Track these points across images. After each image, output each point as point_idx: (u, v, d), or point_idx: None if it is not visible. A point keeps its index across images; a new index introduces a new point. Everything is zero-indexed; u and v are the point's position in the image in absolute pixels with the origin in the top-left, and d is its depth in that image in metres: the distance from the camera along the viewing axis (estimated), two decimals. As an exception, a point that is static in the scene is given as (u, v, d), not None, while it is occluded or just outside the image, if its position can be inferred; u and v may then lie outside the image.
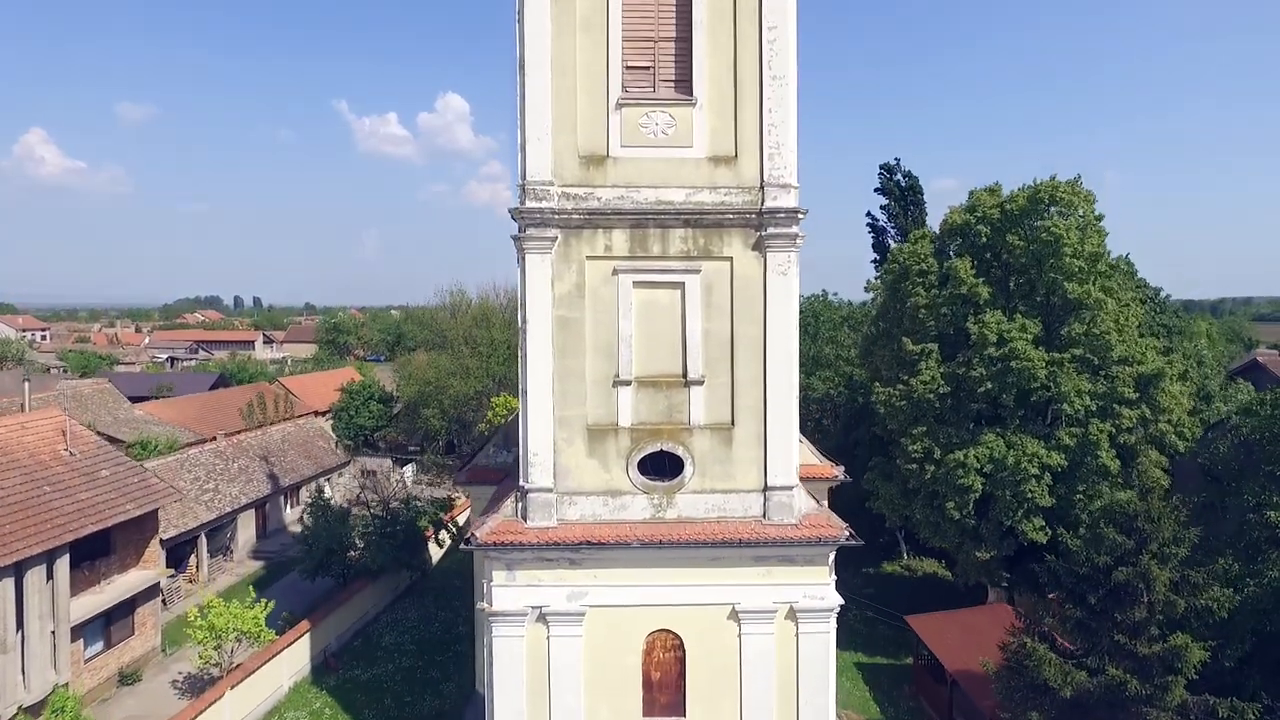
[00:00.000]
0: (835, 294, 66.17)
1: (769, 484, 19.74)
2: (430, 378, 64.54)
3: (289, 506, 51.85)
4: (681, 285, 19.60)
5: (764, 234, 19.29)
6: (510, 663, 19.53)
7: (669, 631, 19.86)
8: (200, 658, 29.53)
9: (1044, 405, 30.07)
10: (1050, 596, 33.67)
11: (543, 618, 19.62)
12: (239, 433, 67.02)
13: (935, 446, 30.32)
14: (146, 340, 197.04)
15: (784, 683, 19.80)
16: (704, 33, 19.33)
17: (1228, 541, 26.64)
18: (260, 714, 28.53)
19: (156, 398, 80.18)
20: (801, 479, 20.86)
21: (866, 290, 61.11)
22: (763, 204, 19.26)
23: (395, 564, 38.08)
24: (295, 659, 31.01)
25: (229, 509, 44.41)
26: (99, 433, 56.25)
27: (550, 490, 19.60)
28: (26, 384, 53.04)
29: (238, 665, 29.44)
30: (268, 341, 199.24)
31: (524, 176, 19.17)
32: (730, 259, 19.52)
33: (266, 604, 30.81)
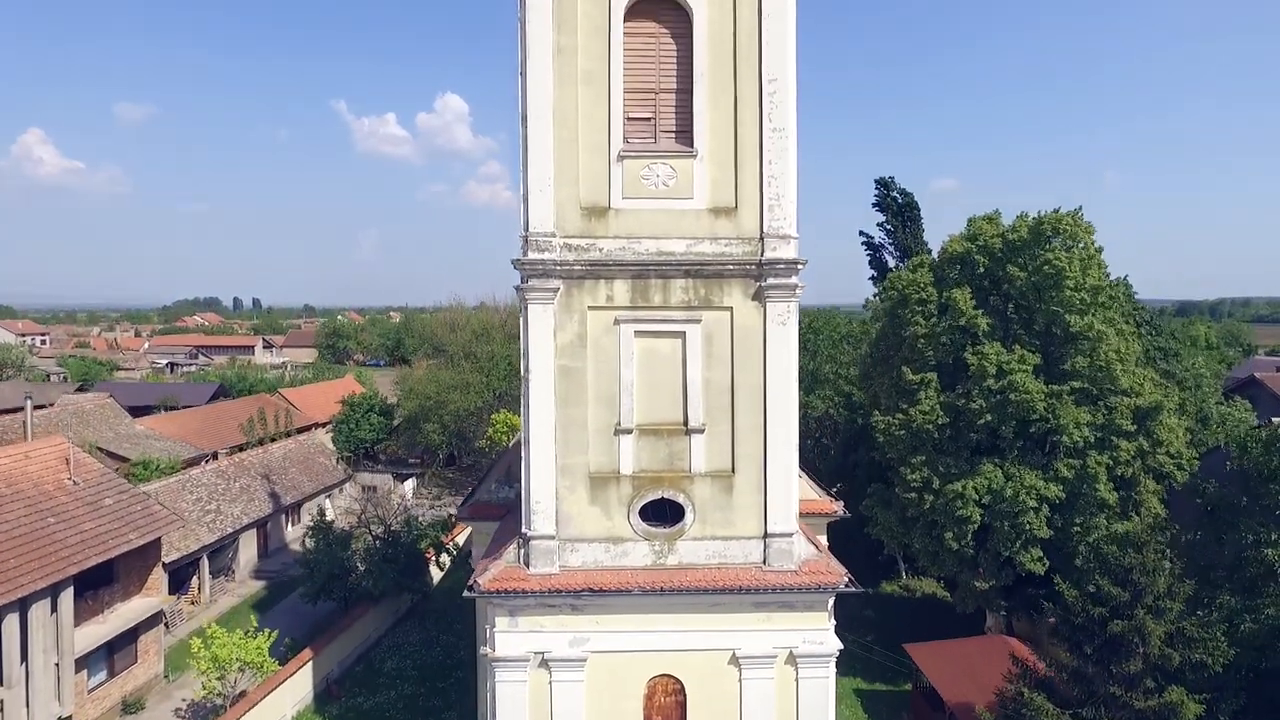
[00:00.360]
0: (835, 306, 66.59)
1: (769, 531, 19.93)
2: (431, 392, 64.70)
3: (290, 524, 52.02)
4: (682, 334, 19.79)
5: (764, 284, 19.48)
6: (514, 708, 19.71)
7: (670, 676, 20.06)
8: (204, 688, 29.69)
9: (1043, 436, 30.24)
10: (1049, 621, 33.88)
11: (545, 663, 19.82)
12: (240, 448, 67.28)
13: (934, 476, 30.47)
14: (146, 345, 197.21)
15: (784, 727, 19.99)
16: (704, 85, 19.52)
17: (1225, 575, 26.89)
18: (264, 745, 28.73)
19: (158, 410, 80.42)
20: (800, 513, 21.08)
21: (865, 307, 61.34)
22: (762, 255, 19.45)
23: (396, 587, 38.27)
24: (298, 687, 31.18)
25: (231, 530, 44.57)
26: (101, 449, 56.70)
27: (553, 538, 19.79)
28: (29, 401, 53.11)
29: (242, 694, 29.63)
30: (267, 346, 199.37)
31: (526, 228, 19.35)
32: (730, 309, 19.71)
33: (270, 634, 30.94)
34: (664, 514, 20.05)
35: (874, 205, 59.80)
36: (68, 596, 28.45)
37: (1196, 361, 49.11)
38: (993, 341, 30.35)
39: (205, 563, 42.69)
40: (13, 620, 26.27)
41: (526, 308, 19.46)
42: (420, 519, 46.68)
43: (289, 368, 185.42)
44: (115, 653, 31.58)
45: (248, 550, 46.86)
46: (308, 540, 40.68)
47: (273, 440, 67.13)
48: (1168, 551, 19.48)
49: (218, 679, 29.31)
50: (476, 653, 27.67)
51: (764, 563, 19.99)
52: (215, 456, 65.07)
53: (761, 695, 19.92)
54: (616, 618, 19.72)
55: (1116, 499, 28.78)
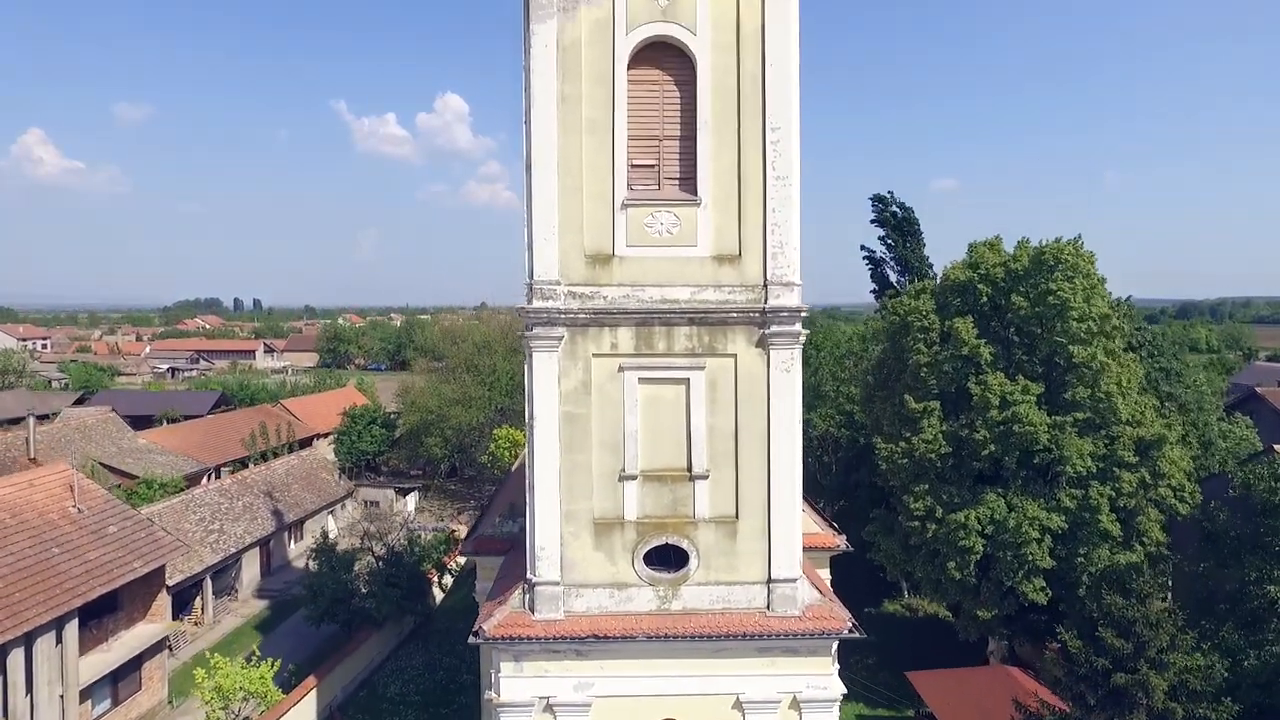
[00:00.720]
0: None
1: (773, 576, 19.97)
2: (433, 406, 64.78)
3: (293, 541, 52.13)
4: (686, 381, 19.83)
5: (768, 332, 19.52)
6: (518, 752, 19.76)
7: (674, 720, 20.10)
8: (209, 718, 29.76)
9: (1045, 466, 30.31)
10: (1049, 646, 33.93)
11: (550, 708, 19.87)
12: (242, 461, 67.44)
13: (937, 505, 30.55)
14: (147, 349, 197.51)
15: (788, 771, 20.04)
16: (708, 132, 19.55)
17: (1228, 609, 26.97)
18: (268, 776, 28.80)
19: (159, 422, 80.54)
20: (804, 548, 21.14)
21: (866, 324, 61.34)
22: (766, 302, 19.49)
23: (399, 610, 38.37)
24: (302, 716, 31.22)
25: (234, 550, 44.71)
26: (104, 465, 56.82)
27: (558, 583, 19.84)
28: (32, 418, 53.32)
29: (246, 723, 29.73)
30: (268, 351, 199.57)
31: (531, 275, 19.40)
32: (734, 356, 19.74)
33: (273, 662, 31.00)
34: (668, 559, 20.10)
35: (872, 221, 59.93)
36: (72, 628, 28.58)
37: (1198, 379, 49.14)
38: (996, 371, 30.41)
39: (208, 584, 42.82)
40: (18, 654, 26.38)
41: (531, 355, 19.51)
42: (422, 537, 46.75)
43: (290, 372, 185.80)
44: (119, 681, 31.70)
45: (250, 569, 46.97)
46: (311, 563, 40.78)
47: (275, 455, 67.35)
48: (1170, 597, 19.51)
49: (221, 709, 29.38)
50: (480, 679, 27.85)
51: (768, 608, 20.03)
52: (218, 473, 65.29)
53: (765, 739, 19.96)
54: (621, 663, 19.77)
55: (1119, 530, 28.84)
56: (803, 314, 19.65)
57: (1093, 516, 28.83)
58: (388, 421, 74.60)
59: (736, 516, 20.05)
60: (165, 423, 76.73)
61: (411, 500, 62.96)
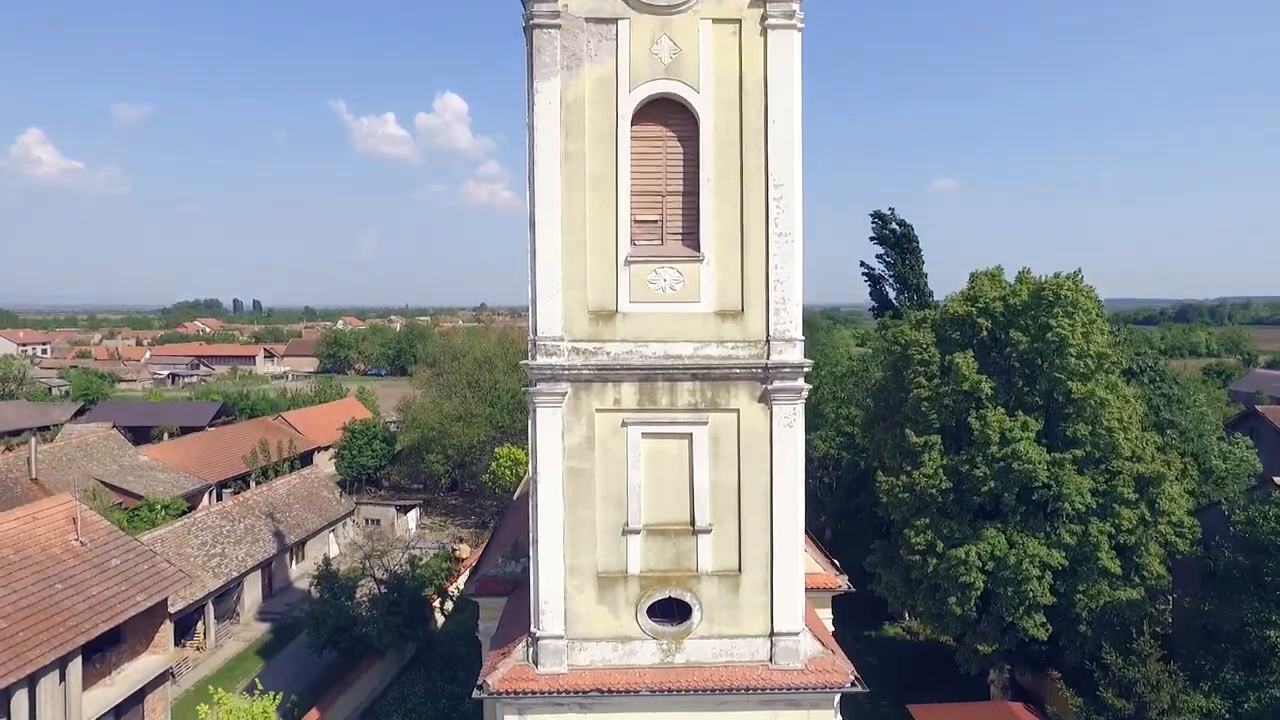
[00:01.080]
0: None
1: (775, 630, 20.07)
2: (434, 423, 64.84)
3: (295, 562, 52.18)
4: (689, 436, 19.92)
5: (770, 387, 19.60)
6: (522, 804, 19.85)
7: (677, 773, 20.17)
8: (212, 755, 29.78)
9: (1045, 502, 30.38)
10: (1051, 675, 33.93)
11: (554, 760, 19.95)
12: (243, 477, 67.48)
13: (938, 540, 30.62)
14: (147, 355, 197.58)
15: (789, 823, 20.12)
16: (711, 190, 19.63)
17: (1228, 647, 27.04)
18: (271, 813, 28.83)
19: (160, 435, 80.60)
20: (805, 588, 21.23)
21: (865, 344, 61.35)
22: (768, 357, 19.56)
23: (400, 637, 38.43)
24: (305, 750, 31.32)
25: (236, 574, 44.75)
26: (106, 484, 56.88)
27: (561, 637, 19.93)
28: (34, 439, 53.42)
29: (248, 759, 29.72)
30: (269, 356, 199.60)
31: (535, 331, 19.48)
32: (737, 411, 19.83)
33: (275, 696, 31.03)
34: (671, 612, 20.19)
35: (872, 238, 60.06)
36: (76, 664, 28.60)
37: (1198, 399, 49.23)
38: (996, 406, 30.48)
39: (210, 608, 42.85)
40: (21, 696, 26.41)
41: (535, 411, 19.59)
42: (423, 558, 46.81)
43: (290, 377, 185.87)
44: (123, 715, 31.66)
45: (252, 592, 47.02)
46: (313, 589, 40.86)
47: (276, 471, 67.43)
48: (1170, 634, 19.53)
49: (225, 746, 29.40)
50: (483, 709, 27.94)
51: (770, 661, 20.12)
52: (220, 494, 65.40)
53: (768, 792, 20.05)
54: (624, 716, 19.86)
55: (1119, 566, 28.92)
56: (805, 369, 19.73)
57: (1092, 553, 28.92)
58: (388, 436, 74.67)
59: (739, 570, 20.14)
60: (166, 436, 76.76)
61: (412, 518, 63.05)
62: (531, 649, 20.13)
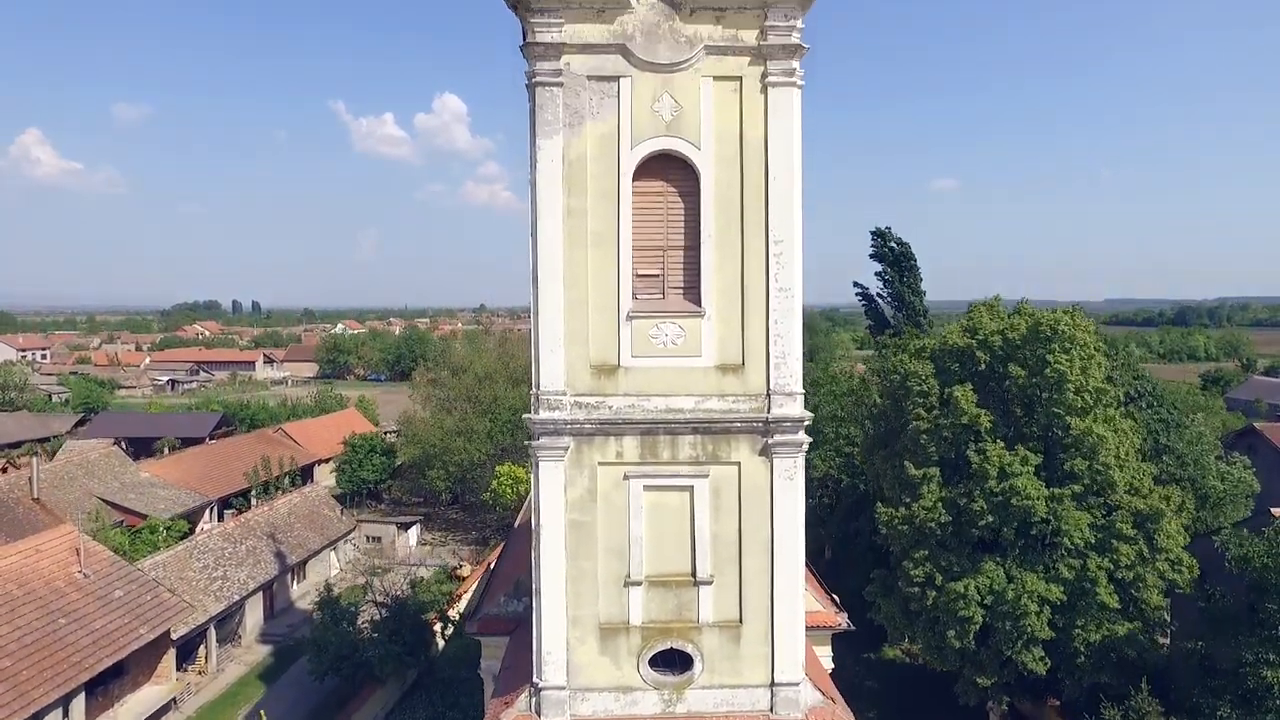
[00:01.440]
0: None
1: (776, 680, 20.20)
2: (435, 439, 64.97)
3: (296, 583, 52.34)
4: (690, 488, 20.06)
5: (771, 441, 19.76)
6: None
7: (678, 821, 20.33)
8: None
9: (1044, 537, 30.56)
10: (1050, 703, 34.10)
11: (556, 810, 20.10)
12: (244, 493, 67.62)
13: (937, 572, 30.81)
14: (147, 360, 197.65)
15: None
16: (712, 245, 19.77)
17: (1225, 684, 27.20)
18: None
19: (161, 449, 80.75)
20: (806, 627, 21.41)
21: (864, 347, 61.41)
22: (769, 411, 19.71)
23: (402, 665, 38.59)
24: (308, 781, 31.51)
25: (238, 596, 44.91)
26: (108, 502, 57.02)
27: (563, 688, 20.08)
28: (35, 461, 53.59)
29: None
30: (268, 361, 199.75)
31: (537, 386, 19.63)
32: (738, 464, 19.97)
33: (279, 729, 31.28)
34: (673, 663, 20.35)
35: (870, 255, 60.33)
36: (79, 702, 28.82)
37: (1196, 419, 49.43)
38: (995, 440, 30.67)
39: (212, 632, 42.99)
40: (27, 734, 26.59)
41: (538, 465, 19.73)
42: (423, 579, 46.99)
43: (289, 383, 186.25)
44: (126, 747, 31.94)
45: (254, 614, 47.17)
46: (315, 614, 41.00)
47: (277, 486, 67.60)
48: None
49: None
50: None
51: (771, 710, 20.26)
52: (221, 512, 65.57)
53: (769, 839, 20.22)
54: (627, 765, 20.02)
55: (1117, 602, 29.11)
56: (805, 422, 19.89)
57: (1091, 588, 29.10)
58: (388, 450, 74.81)
59: (740, 621, 20.28)
60: (167, 450, 76.89)
61: (413, 534, 63.20)
62: (534, 699, 20.28)
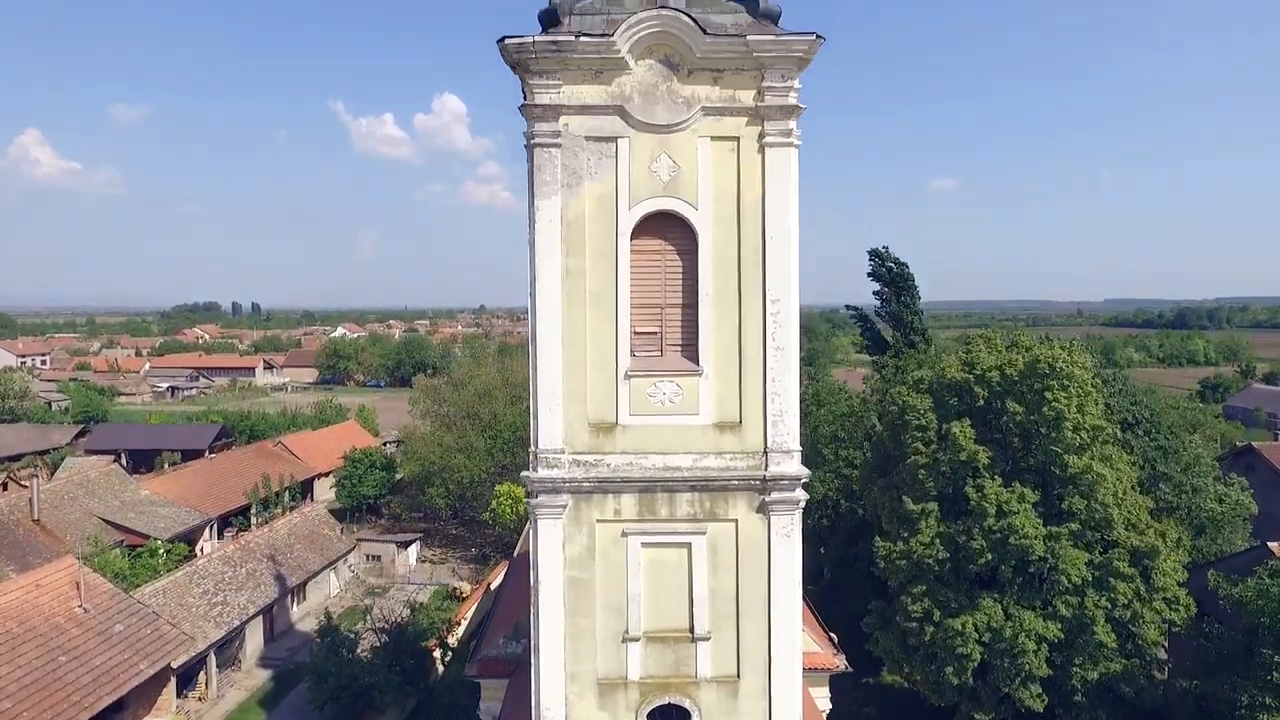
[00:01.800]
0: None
1: (773, 735, 20.32)
2: (435, 457, 65.07)
3: (295, 604, 52.42)
4: (688, 545, 20.16)
5: (768, 499, 19.86)
6: None
7: None
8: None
9: (1042, 574, 30.67)
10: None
11: None
12: (244, 510, 67.72)
13: (935, 608, 30.93)
14: (147, 366, 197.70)
15: None
16: (710, 304, 19.86)
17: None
18: None
19: (161, 464, 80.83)
20: (804, 668, 21.50)
21: (864, 383, 61.54)
22: (766, 469, 19.80)
23: (402, 694, 38.71)
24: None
25: (238, 621, 44.99)
26: (108, 522, 57.10)
27: (563, 744, 20.19)
28: (36, 482, 53.65)
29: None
30: (268, 367, 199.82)
31: (536, 444, 19.73)
32: (735, 521, 20.06)
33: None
34: (670, 717, 20.40)
35: (869, 275, 60.42)
36: (80, 740, 28.87)
37: (1193, 440, 49.53)
38: (993, 477, 30.78)
39: (213, 658, 43.07)
40: (27, 776, 26.70)
41: (536, 522, 19.83)
42: (424, 605, 47.10)
43: (289, 389, 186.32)
44: (126, 782, 32.03)
45: (254, 638, 47.25)
46: (315, 643, 41.10)
47: (277, 501, 67.74)
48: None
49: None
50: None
51: (769, 765, 20.37)
52: (221, 530, 65.68)
53: None
54: (625, 820, 20.12)
55: (1114, 641, 29.23)
56: (802, 480, 20.00)
57: (1089, 626, 29.22)
58: (388, 465, 74.91)
59: (738, 676, 20.36)
60: (167, 466, 76.97)
61: (413, 552, 63.29)
62: (533, 754, 20.38)
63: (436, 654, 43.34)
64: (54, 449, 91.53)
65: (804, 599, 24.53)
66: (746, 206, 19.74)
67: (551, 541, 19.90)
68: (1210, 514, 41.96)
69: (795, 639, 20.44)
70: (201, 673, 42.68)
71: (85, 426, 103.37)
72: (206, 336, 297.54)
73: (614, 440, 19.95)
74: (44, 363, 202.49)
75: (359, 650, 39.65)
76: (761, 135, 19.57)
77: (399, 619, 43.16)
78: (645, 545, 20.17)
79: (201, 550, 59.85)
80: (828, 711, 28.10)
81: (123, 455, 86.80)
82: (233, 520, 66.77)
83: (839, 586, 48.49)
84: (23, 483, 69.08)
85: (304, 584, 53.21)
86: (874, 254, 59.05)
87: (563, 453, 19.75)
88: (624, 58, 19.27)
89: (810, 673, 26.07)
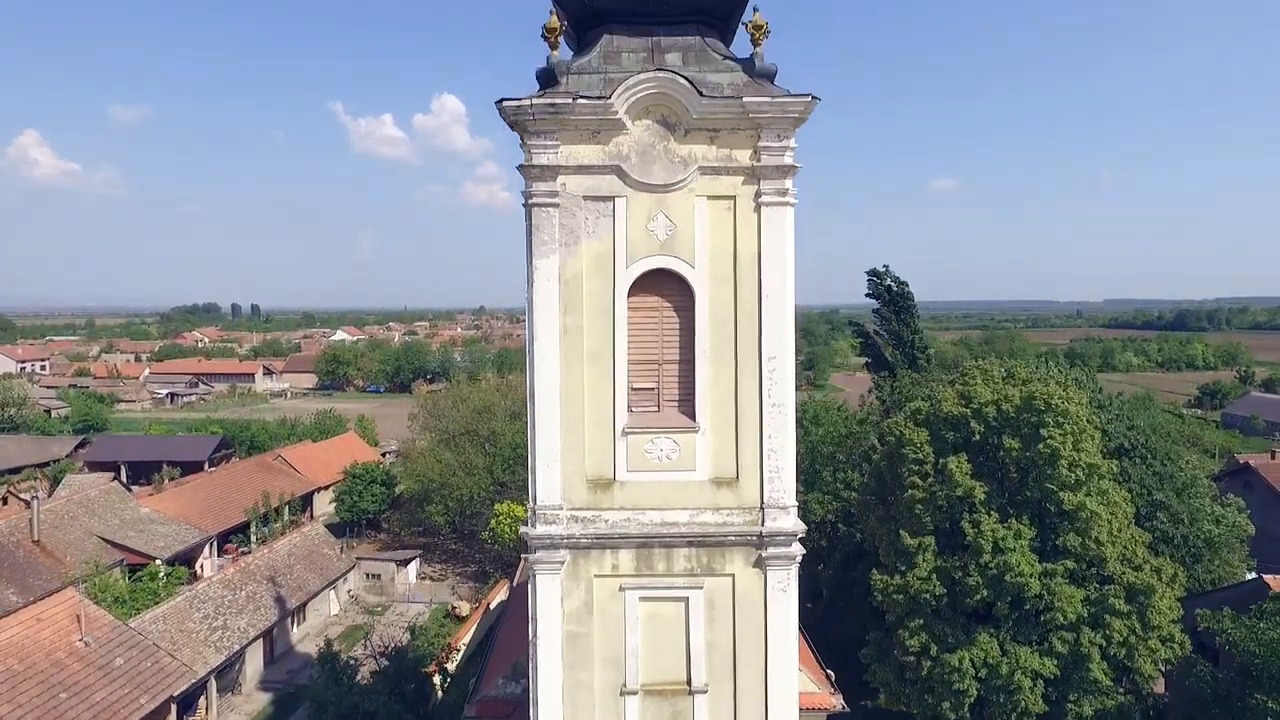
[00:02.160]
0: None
1: (769, 787, 20.46)
2: (434, 474, 65.21)
3: (295, 625, 52.56)
4: (685, 600, 20.30)
5: (764, 554, 20.01)
6: None
7: None
8: None
9: (1038, 611, 30.82)
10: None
11: None
12: (244, 527, 67.85)
13: (932, 642, 31.08)
14: (146, 372, 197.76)
15: None
16: (706, 361, 20.01)
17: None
18: None
19: (161, 477, 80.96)
20: (800, 709, 21.66)
21: (861, 401, 61.71)
22: (763, 524, 19.95)
23: (400, 720, 38.80)
24: None
25: (238, 645, 45.13)
26: (107, 540, 57.23)
27: (562, 796, 20.32)
28: (36, 503, 53.79)
29: None
30: (268, 373, 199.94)
31: (534, 500, 19.87)
32: (732, 575, 20.21)
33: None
34: (668, 770, 20.59)
35: (868, 294, 60.63)
36: (81, 778, 29.02)
37: (1190, 462, 49.67)
38: (989, 512, 30.93)
39: (213, 682, 43.22)
40: (29, 817, 26.84)
41: (535, 578, 19.98)
42: (424, 628, 47.20)
43: (289, 394, 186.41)
44: (127, 815, 32.11)
45: (254, 661, 47.41)
46: (314, 669, 41.21)
47: (276, 517, 67.88)
48: None
49: None
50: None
51: (765, 815, 20.51)
52: (221, 547, 65.82)
53: None
54: None
55: (1109, 679, 29.38)
56: (799, 536, 20.15)
57: (1084, 662, 29.38)
58: (388, 480, 75.06)
59: (735, 728, 20.53)
60: (166, 481, 77.10)
61: (412, 570, 63.42)
62: (532, 806, 20.52)
63: (436, 679, 43.45)
64: (54, 461, 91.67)
65: (800, 631, 24.89)
66: (743, 264, 19.88)
67: (550, 597, 20.04)
68: (1208, 536, 42.14)
69: (792, 689, 20.59)
70: (202, 698, 42.84)
71: (85, 438, 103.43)
72: (206, 340, 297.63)
73: (611, 496, 20.09)
74: (43, 368, 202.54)
75: (358, 676, 39.73)
76: (757, 194, 19.71)
77: (398, 643, 43.28)
78: (643, 599, 20.31)
79: (201, 569, 60.03)
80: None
81: (122, 469, 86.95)
82: (233, 537, 66.90)
83: (837, 608, 48.56)
84: (22, 496, 69.30)
85: (304, 605, 53.34)
86: (873, 274, 59.28)
87: (561, 509, 19.89)
88: (621, 118, 19.42)
89: (807, 713, 26.27)
